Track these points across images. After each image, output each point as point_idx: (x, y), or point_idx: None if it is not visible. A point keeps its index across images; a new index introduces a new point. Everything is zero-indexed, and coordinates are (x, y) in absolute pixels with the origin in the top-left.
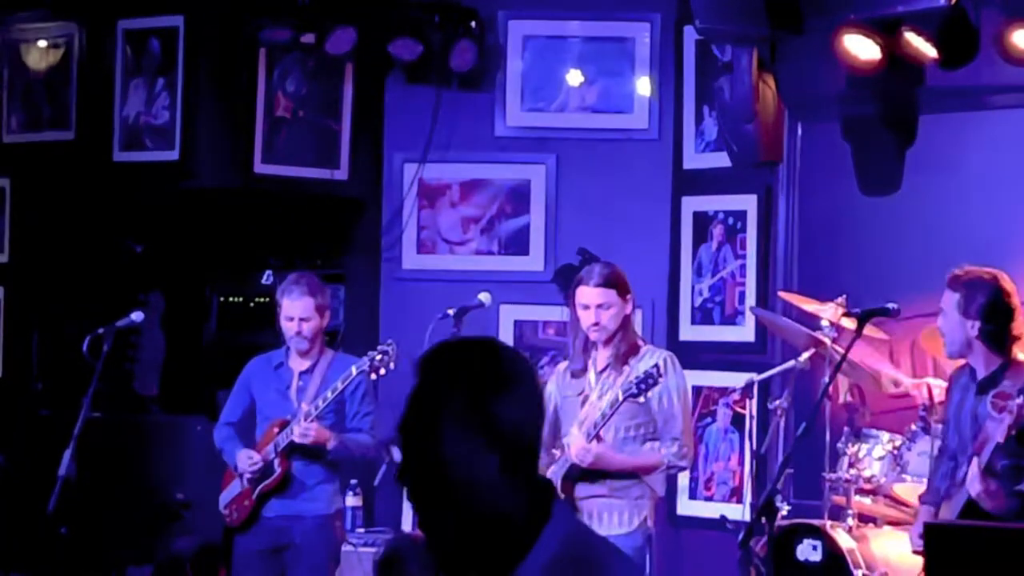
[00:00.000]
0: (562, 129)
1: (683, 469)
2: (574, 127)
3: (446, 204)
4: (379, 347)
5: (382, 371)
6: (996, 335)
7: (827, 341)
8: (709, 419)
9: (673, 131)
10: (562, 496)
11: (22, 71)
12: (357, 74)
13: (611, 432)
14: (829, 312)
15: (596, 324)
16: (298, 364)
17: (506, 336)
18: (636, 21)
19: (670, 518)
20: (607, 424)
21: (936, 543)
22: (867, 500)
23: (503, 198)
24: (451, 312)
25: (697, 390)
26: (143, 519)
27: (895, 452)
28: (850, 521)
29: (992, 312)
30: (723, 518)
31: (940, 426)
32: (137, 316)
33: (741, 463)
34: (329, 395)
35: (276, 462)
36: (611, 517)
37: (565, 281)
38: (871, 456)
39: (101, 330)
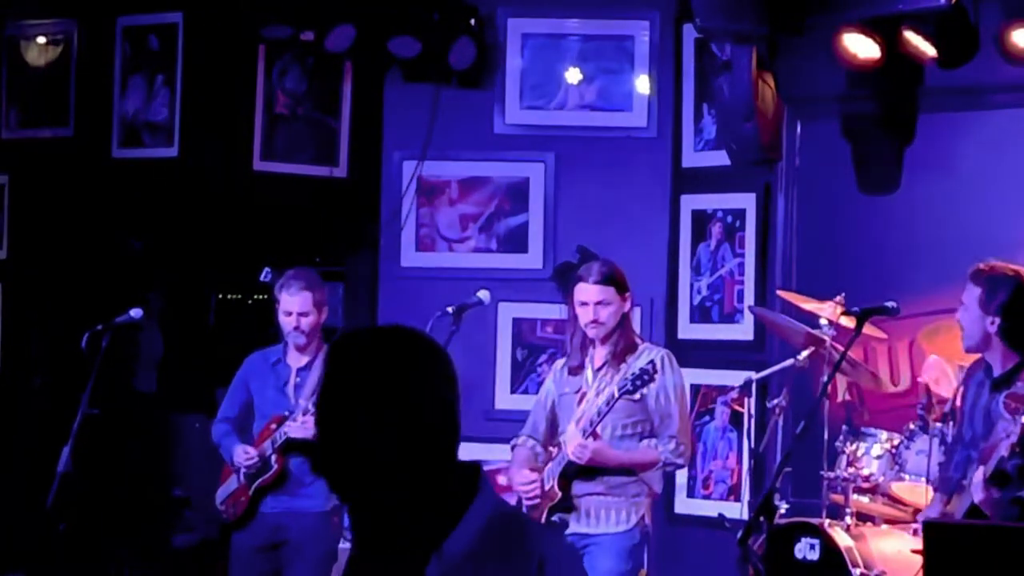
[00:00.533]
0: (561, 127)
1: (680, 467)
2: (573, 125)
3: (445, 202)
4: None
5: None
6: (1015, 332)
7: (826, 340)
8: (707, 417)
9: (672, 129)
10: (559, 493)
11: (21, 67)
12: (356, 71)
13: (607, 429)
14: (827, 311)
15: (594, 321)
16: (296, 360)
17: (504, 333)
18: (635, 19)
19: (668, 516)
20: (603, 421)
21: (935, 541)
22: (865, 499)
23: (502, 196)
24: (450, 310)
25: (695, 388)
26: (141, 515)
27: (893, 451)
28: (848, 520)
29: (1013, 309)
30: (721, 516)
31: (939, 425)
32: (136, 313)
33: (739, 461)
34: None
35: (273, 458)
36: (608, 515)
37: (564, 279)
38: (869, 455)
39: (100, 327)
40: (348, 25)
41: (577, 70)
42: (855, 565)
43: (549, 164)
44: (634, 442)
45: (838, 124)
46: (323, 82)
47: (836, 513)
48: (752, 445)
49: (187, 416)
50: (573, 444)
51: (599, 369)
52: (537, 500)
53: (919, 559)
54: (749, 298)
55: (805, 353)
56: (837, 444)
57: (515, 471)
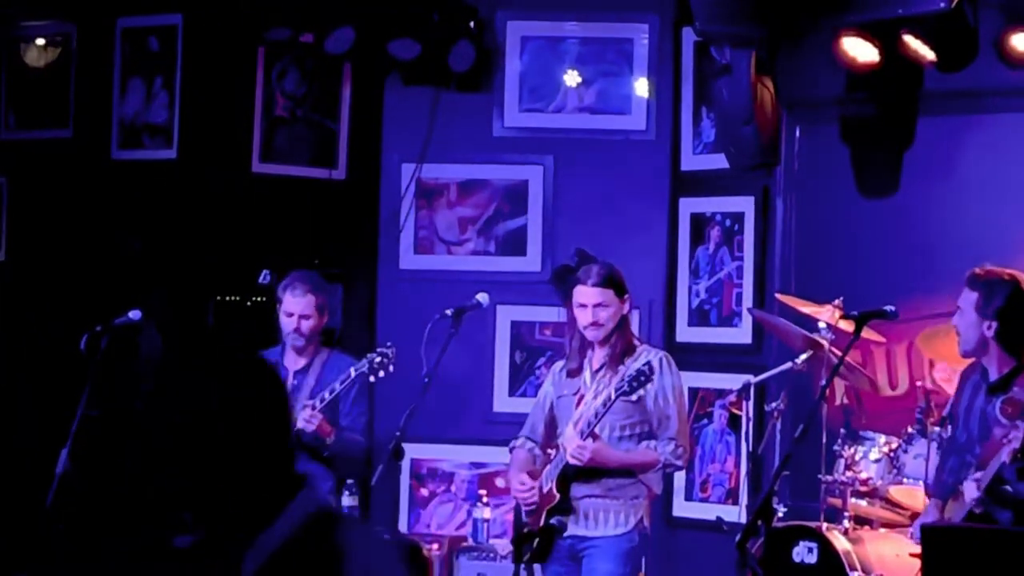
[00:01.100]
0: (560, 130)
1: (679, 469)
2: (572, 128)
3: (444, 204)
4: (378, 349)
5: (381, 373)
6: (1012, 337)
7: (824, 343)
8: (705, 420)
9: (671, 132)
10: (557, 496)
11: (20, 69)
12: (355, 74)
13: (605, 431)
14: (826, 314)
15: (593, 323)
16: (293, 363)
17: (503, 336)
18: (634, 22)
19: (666, 519)
20: (601, 423)
21: (934, 545)
22: (863, 502)
23: (501, 198)
24: (449, 312)
25: (693, 391)
26: (141, 516)
27: (891, 454)
28: (846, 523)
29: (1010, 314)
30: (719, 520)
31: (937, 428)
32: (135, 314)
33: (737, 465)
34: (327, 395)
35: None
36: (607, 517)
37: (562, 282)
38: (867, 458)
39: (99, 328)
40: (347, 27)
41: (576, 73)
42: (853, 569)
43: (548, 167)
44: (633, 443)
45: (837, 128)
46: (322, 84)
47: (834, 517)
48: (750, 448)
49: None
50: (572, 445)
51: (597, 371)
52: (534, 505)
53: (917, 563)
54: (748, 301)
55: (803, 356)
56: (835, 448)
57: (513, 475)
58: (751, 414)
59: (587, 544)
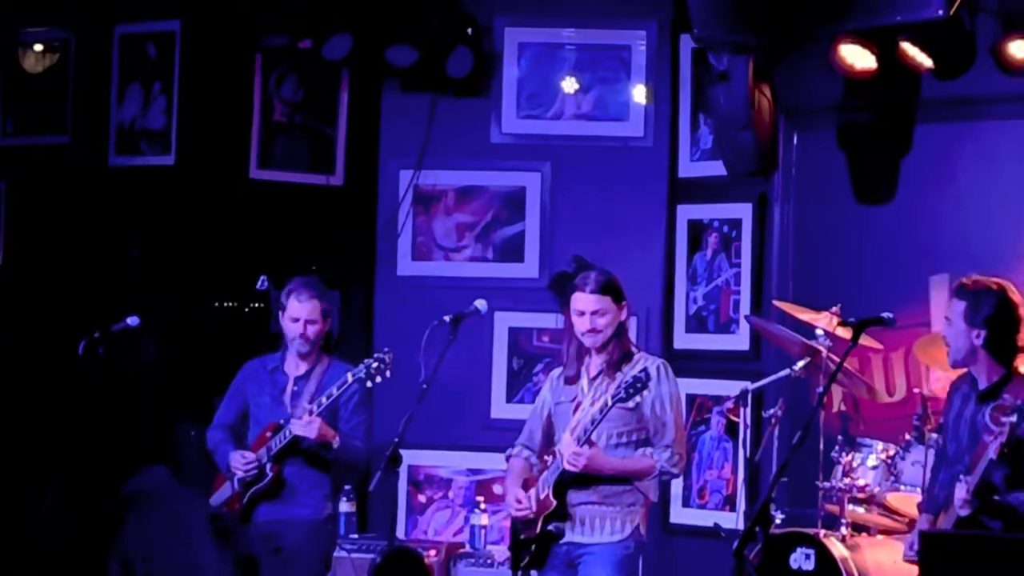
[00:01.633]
0: (557, 136)
1: (675, 476)
2: (569, 134)
3: (441, 211)
4: (375, 355)
5: (378, 379)
6: (1001, 345)
7: (822, 350)
8: (703, 427)
9: (668, 139)
10: (554, 502)
11: (19, 75)
12: (353, 80)
13: (602, 438)
14: (824, 321)
15: (591, 330)
16: (294, 369)
17: (501, 343)
18: (632, 29)
19: (663, 526)
20: (598, 430)
21: (931, 552)
22: (861, 509)
23: (498, 205)
24: (447, 319)
25: (691, 398)
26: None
27: (889, 461)
28: (844, 530)
29: (998, 322)
30: (716, 526)
31: (935, 435)
32: (133, 320)
33: (735, 471)
34: (324, 401)
35: (268, 466)
36: (603, 524)
37: (560, 288)
38: (865, 465)
39: (96, 334)
40: (345, 34)
41: (574, 79)
42: (850, 575)
43: (545, 173)
44: (629, 450)
45: (834, 134)
46: (320, 90)
47: (832, 523)
48: (748, 455)
49: (183, 424)
50: (568, 452)
51: (595, 378)
52: (530, 519)
53: (915, 570)
54: (745, 308)
55: (801, 363)
56: (833, 454)
57: (509, 486)
58: (749, 421)
59: (583, 551)
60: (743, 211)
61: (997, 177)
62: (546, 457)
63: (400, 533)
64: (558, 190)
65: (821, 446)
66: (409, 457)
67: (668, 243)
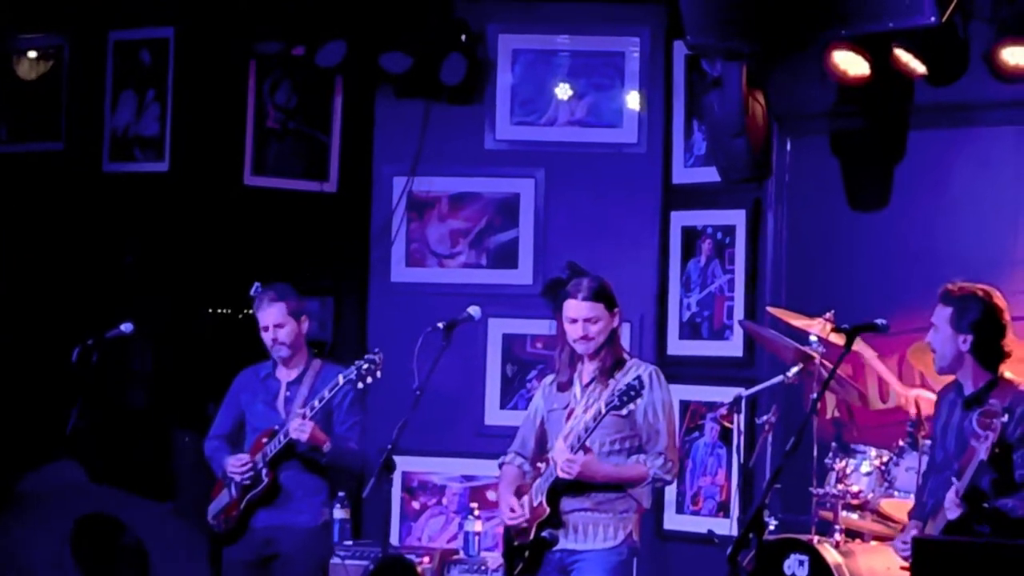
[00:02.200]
0: (551, 143)
1: (668, 483)
2: (563, 141)
3: (435, 217)
4: (366, 356)
5: (369, 380)
6: (987, 350)
7: (815, 356)
8: (697, 434)
9: (662, 145)
10: (547, 510)
11: (12, 81)
12: (347, 86)
13: (595, 445)
14: (817, 327)
15: (583, 337)
16: (285, 375)
17: (494, 349)
18: (626, 36)
19: (657, 532)
20: (591, 437)
21: (923, 558)
22: (854, 515)
23: (492, 211)
24: (440, 325)
25: (685, 404)
26: None
27: (883, 467)
28: (837, 536)
29: (984, 327)
30: (710, 533)
31: (928, 442)
32: (126, 327)
33: (728, 478)
34: (317, 404)
35: (264, 472)
36: (596, 531)
37: (553, 295)
38: (859, 471)
39: (90, 341)
40: (339, 40)
41: (567, 86)
42: None
43: (539, 180)
44: (622, 458)
45: (828, 141)
46: (314, 97)
47: (825, 530)
48: (741, 461)
49: (178, 431)
50: (562, 459)
51: (587, 385)
52: (524, 527)
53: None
54: (739, 314)
55: (795, 369)
56: (827, 461)
57: (503, 495)
58: (742, 427)
59: (576, 557)
60: (737, 217)
61: (990, 183)
62: (539, 464)
63: (394, 540)
64: (552, 196)
65: (815, 452)
66: (403, 464)
67: (662, 249)
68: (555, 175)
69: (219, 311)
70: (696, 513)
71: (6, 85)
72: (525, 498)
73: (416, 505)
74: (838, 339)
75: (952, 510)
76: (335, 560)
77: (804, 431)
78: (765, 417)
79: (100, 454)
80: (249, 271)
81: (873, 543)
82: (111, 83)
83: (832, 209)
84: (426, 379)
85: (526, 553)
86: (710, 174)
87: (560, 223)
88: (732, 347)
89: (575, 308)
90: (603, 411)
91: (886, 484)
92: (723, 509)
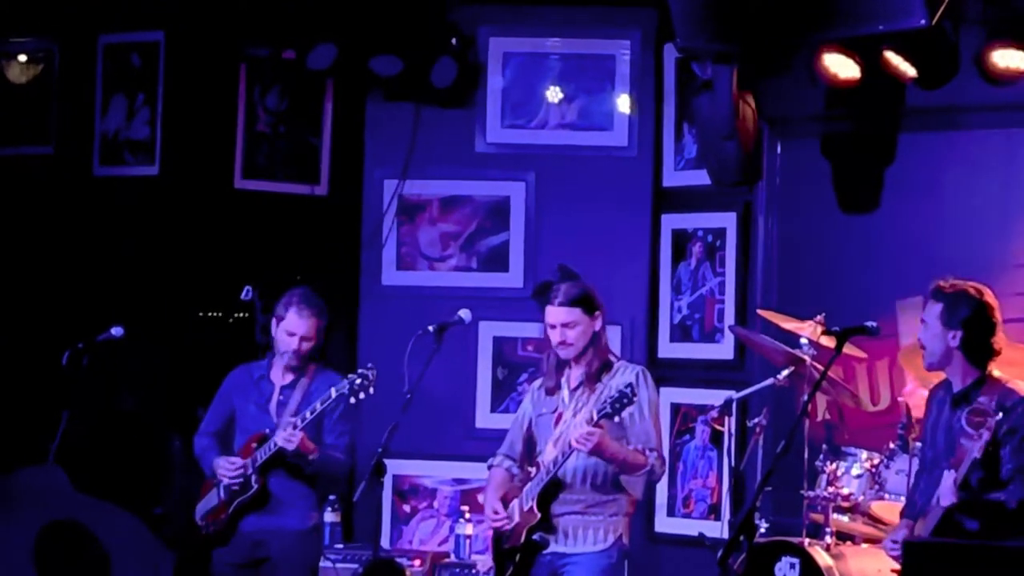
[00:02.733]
0: (542, 146)
1: (658, 478)
2: (554, 144)
3: (426, 220)
4: (359, 371)
5: (361, 395)
6: (976, 347)
7: (806, 359)
8: (687, 436)
9: (653, 148)
10: (538, 514)
11: (2, 85)
12: (337, 90)
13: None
14: (808, 330)
15: (561, 343)
16: (280, 378)
17: (485, 352)
18: (616, 39)
19: (648, 535)
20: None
21: (914, 561)
22: (845, 518)
23: (483, 215)
24: (431, 328)
25: (676, 407)
26: None
27: (873, 470)
28: (828, 539)
29: (974, 324)
30: (701, 535)
31: (919, 444)
32: (116, 331)
33: (719, 480)
34: (308, 415)
35: (254, 478)
36: (586, 534)
37: (544, 298)
38: (849, 474)
39: (80, 345)
40: (329, 44)
41: (558, 89)
42: None
43: (530, 183)
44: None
45: (818, 144)
46: (304, 100)
47: (816, 532)
48: (732, 464)
49: (166, 434)
50: (580, 432)
51: (575, 389)
52: (509, 531)
53: None
54: (729, 317)
55: (785, 372)
56: (817, 463)
57: (489, 497)
58: (733, 430)
59: (566, 560)
60: (727, 220)
61: (981, 186)
62: (529, 469)
63: (385, 543)
64: (542, 200)
65: (806, 455)
66: (394, 467)
67: (652, 252)
68: (546, 178)
69: (210, 314)
70: (687, 516)
71: None
72: (513, 502)
73: (407, 508)
74: (829, 342)
75: (947, 496)
76: (325, 563)
77: (795, 434)
78: (756, 420)
79: (90, 458)
80: (240, 275)
81: (864, 545)
82: (101, 87)
83: (823, 212)
84: (417, 382)
85: (517, 557)
86: (701, 177)
87: (551, 226)
88: (723, 350)
89: (552, 314)
90: (595, 418)
91: (877, 487)
92: (714, 512)
